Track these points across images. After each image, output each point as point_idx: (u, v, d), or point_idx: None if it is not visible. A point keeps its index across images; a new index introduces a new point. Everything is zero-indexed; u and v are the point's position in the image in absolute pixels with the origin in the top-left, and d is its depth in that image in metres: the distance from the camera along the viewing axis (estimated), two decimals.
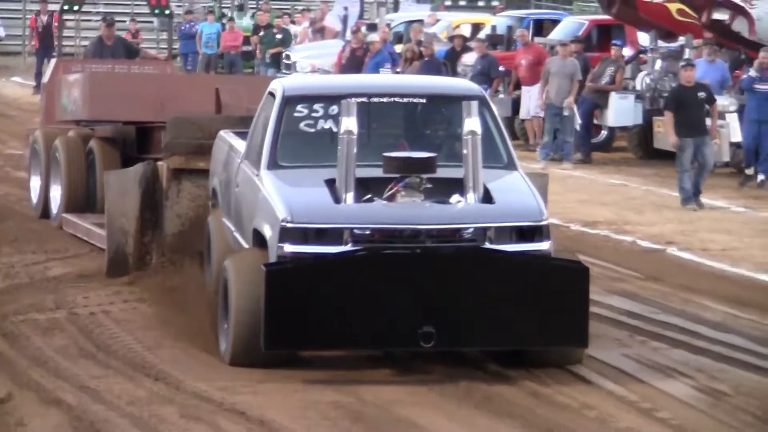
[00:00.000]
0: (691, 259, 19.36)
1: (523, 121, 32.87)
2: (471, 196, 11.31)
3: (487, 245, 11.14)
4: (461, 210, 11.41)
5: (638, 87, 30.98)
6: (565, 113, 29.36)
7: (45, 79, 20.64)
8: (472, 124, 11.31)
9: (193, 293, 13.99)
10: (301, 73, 39.08)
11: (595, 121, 31.42)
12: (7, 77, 47.88)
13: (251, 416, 10.43)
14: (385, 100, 12.54)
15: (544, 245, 11.32)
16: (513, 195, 11.77)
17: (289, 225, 10.85)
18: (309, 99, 12.50)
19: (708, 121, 24.09)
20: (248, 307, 10.90)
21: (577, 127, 29.82)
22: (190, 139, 14.19)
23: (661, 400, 11.24)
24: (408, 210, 11.26)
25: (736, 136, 27.04)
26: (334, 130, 11.88)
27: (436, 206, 11.35)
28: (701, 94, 24.14)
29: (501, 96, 32.35)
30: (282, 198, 11.25)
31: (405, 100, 12.67)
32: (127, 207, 14.07)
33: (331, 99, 12.28)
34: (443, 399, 10.88)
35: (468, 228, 11.22)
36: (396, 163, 11.25)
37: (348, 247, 10.94)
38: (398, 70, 33.43)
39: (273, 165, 11.89)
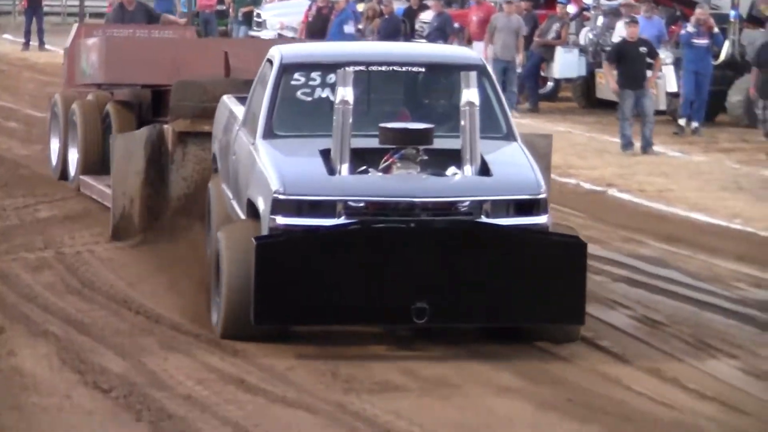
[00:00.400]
0: (630, 200, 19.57)
1: None
2: (468, 169, 10.47)
3: (483, 219, 10.36)
4: (457, 183, 10.62)
5: (582, 42, 31.38)
6: (518, 69, 29.64)
7: (67, 43, 19.74)
8: (470, 94, 10.50)
9: (185, 249, 13.61)
10: (271, 30, 38.98)
11: (542, 74, 31.77)
12: None
13: (226, 346, 10.45)
14: (383, 68, 11.67)
15: (541, 219, 10.51)
16: (511, 167, 10.97)
17: (281, 197, 10.12)
18: (307, 67, 11.62)
19: (648, 74, 24.55)
20: (240, 281, 10.15)
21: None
22: (195, 103, 13.56)
23: (601, 329, 11.32)
24: (403, 182, 10.45)
25: (672, 86, 27.31)
26: (332, 99, 11.03)
27: (432, 178, 10.54)
28: (643, 49, 24.62)
29: None
30: (275, 169, 10.49)
31: (404, 69, 11.79)
32: (132, 170, 13.45)
33: (329, 67, 11.42)
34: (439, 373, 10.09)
35: (464, 201, 10.41)
36: (392, 133, 10.45)
37: (341, 220, 10.19)
38: (360, 27, 33.21)
39: (269, 134, 11.09)
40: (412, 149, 10.36)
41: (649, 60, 24.89)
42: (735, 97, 27.77)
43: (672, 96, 27.65)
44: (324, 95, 11.29)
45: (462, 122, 10.45)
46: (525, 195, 10.41)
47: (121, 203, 13.45)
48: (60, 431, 8.75)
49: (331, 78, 11.10)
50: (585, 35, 31.70)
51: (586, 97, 30.80)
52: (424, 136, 10.34)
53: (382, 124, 10.47)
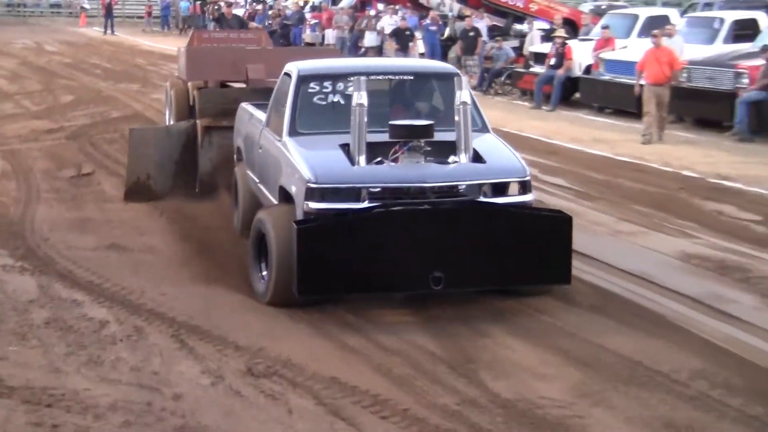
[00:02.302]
0: None
1: None
2: (463, 157, 10.59)
3: (482, 198, 10.49)
4: (459, 169, 10.58)
5: None
6: None
7: (186, 44, 21.43)
8: (464, 95, 10.62)
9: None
10: None
11: None
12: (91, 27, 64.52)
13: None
14: (380, 77, 12.00)
15: (528, 197, 10.68)
16: (498, 155, 11.09)
17: (313, 185, 10.16)
18: (319, 77, 11.84)
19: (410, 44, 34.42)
20: (285, 257, 10.04)
21: None
22: (216, 105, 14.80)
23: None
24: (414, 170, 10.47)
25: (420, 50, 35.74)
26: (342, 102, 11.50)
27: (437, 166, 10.59)
28: (408, 32, 34.15)
29: None
30: (306, 161, 10.54)
31: (397, 77, 12.22)
32: (146, 153, 14.70)
33: (337, 77, 11.80)
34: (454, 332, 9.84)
35: (465, 184, 10.50)
36: (400, 129, 10.63)
37: (365, 204, 10.14)
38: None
39: (293, 132, 11.27)
40: (417, 142, 10.54)
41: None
42: (451, 54, 36.06)
43: (421, 55, 35.95)
44: (335, 100, 11.61)
45: (456, 118, 10.58)
46: (515, 178, 10.71)
47: (135, 175, 14.65)
48: None
49: (340, 86, 11.60)
50: None
51: None
52: (426, 131, 10.55)
53: (392, 122, 10.71)
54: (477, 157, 10.77)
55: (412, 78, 12.35)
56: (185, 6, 62.43)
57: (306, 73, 11.90)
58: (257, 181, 12.56)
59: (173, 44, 43.31)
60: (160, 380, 8.55)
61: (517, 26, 35.70)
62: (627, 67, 24.62)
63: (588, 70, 27.92)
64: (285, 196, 10.95)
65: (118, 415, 7.83)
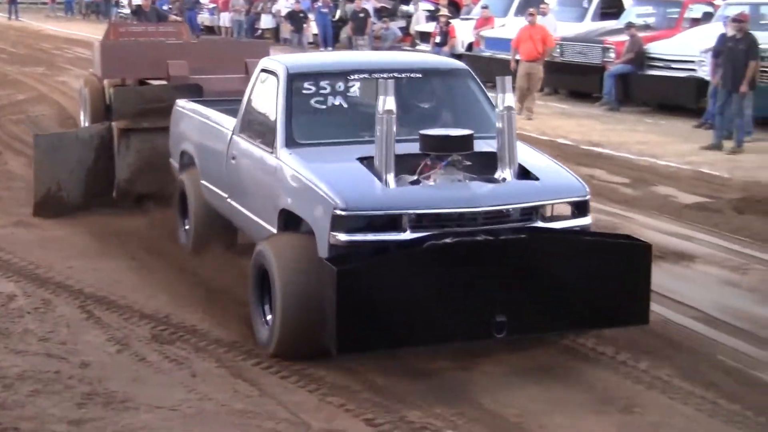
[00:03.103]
0: None
1: None
2: (508, 172, 8.32)
3: (540, 223, 8.20)
4: (514, 189, 8.28)
5: None
6: None
7: (101, 38, 19.19)
8: (508, 99, 8.33)
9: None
10: None
11: None
12: None
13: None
14: (385, 75, 9.05)
15: (587, 220, 8.43)
16: (548, 169, 8.79)
17: (343, 213, 7.71)
18: (314, 76, 9.31)
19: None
20: (294, 300, 7.87)
21: None
22: (132, 105, 12.58)
23: None
24: (460, 191, 8.12)
25: (314, 31, 36.11)
26: (345, 106, 9.25)
27: (489, 186, 8.26)
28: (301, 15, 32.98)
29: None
30: (326, 181, 8.06)
31: (403, 75, 9.46)
32: (58, 160, 12.51)
33: (335, 75, 9.35)
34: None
35: (523, 207, 8.17)
36: (434, 141, 8.28)
37: (407, 234, 7.76)
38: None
39: (291, 143, 8.78)
40: (456, 156, 8.26)
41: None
42: (342, 35, 35.88)
43: (314, 35, 37.05)
44: (337, 103, 9.23)
45: (500, 125, 8.36)
46: (575, 197, 8.43)
47: (45, 186, 12.46)
48: None
49: (340, 86, 9.26)
50: None
51: None
52: (466, 142, 8.27)
53: (423, 132, 8.37)
54: (524, 172, 8.55)
55: (419, 76, 9.73)
56: None
57: (297, 72, 9.38)
58: (226, 196, 10.06)
59: (77, 29, 43.40)
60: (67, 350, 8.39)
61: (404, 7, 35.77)
62: (505, 43, 24.62)
63: (470, 47, 28.10)
64: (287, 221, 8.64)
65: (26, 385, 7.66)
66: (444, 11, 29.58)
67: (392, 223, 7.87)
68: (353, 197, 7.89)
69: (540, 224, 8.20)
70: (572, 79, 24.63)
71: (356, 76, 9.40)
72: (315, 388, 7.72)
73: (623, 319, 8.18)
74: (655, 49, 22.40)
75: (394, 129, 8.05)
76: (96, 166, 12.56)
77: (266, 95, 9.49)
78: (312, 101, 9.22)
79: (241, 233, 10.34)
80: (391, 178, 8.06)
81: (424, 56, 11.88)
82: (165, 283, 10.21)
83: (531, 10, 22.90)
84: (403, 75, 9.52)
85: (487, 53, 26.52)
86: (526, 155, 8.86)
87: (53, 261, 10.81)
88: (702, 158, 17.11)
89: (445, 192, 8.16)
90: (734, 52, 17.90)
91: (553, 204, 8.37)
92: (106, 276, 10.36)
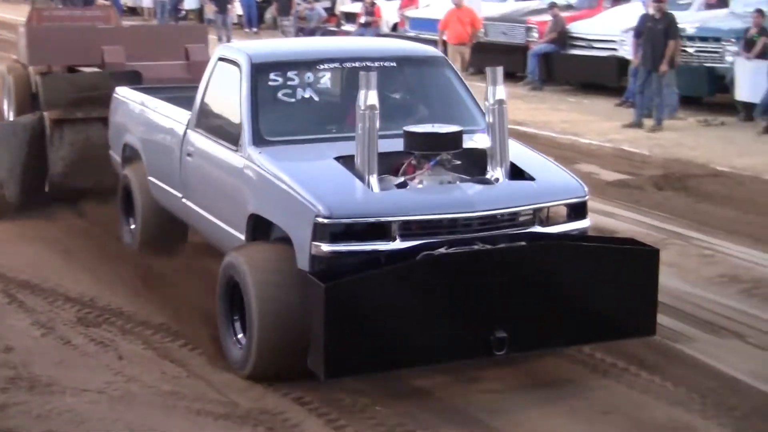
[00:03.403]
0: None
1: None
2: (500, 171, 7.39)
3: (538, 227, 7.30)
4: (510, 190, 7.37)
5: None
6: None
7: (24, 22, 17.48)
8: (499, 92, 7.40)
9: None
10: None
11: None
12: None
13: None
14: (357, 64, 8.26)
15: (586, 222, 7.57)
16: (542, 168, 7.84)
17: (326, 221, 6.76)
18: (280, 66, 8.20)
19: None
20: (271, 318, 6.94)
21: None
22: (65, 94, 11.50)
23: None
24: (456, 195, 7.19)
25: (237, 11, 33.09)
26: (316, 99, 8.20)
27: (483, 188, 7.31)
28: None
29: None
30: (304, 185, 7.10)
31: (376, 64, 8.31)
32: (5, 155, 11.49)
33: (303, 65, 8.26)
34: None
35: (522, 210, 7.28)
36: (421, 139, 7.30)
37: (397, 243, 6.83)
38: None
39: (260, 141, 7.72)
40: (446, 155, 7.36)
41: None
42: (267, 15, 36.43)
43: (239, 17, 35.89)
44: (306, 95, 8.16)
45: (490, 120, 7.43)
46: (574, 199, 7.51)
47: None
48: None
49: (309, 77, 8.18)
50: None
51: None
52: (455, 140, 7.33)
53: (408, 128, 7.41)
54: (516, 171, 7.64)
55: (393, 65, 8.58)
56: None
57: (261, 61, 8.26)
58: (180, 196, 8.98)
59: None
60: None
61: None
62: (430, 24, 24.66)
63: (395, 27, 28.02)
64: (255, 227, 7.68)
65: None
66: None
67: (380, 230, 6.95)
68: (336, 203, 6.96)
69: (538, 228, 7.33)
70: (497, 59, 24.23)
71: (326, 66, 8.40)
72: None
73: (629, 330, 7.37)
74: (577, 28, 22.52)
75: (377, 126, 7.12)
76: (29, 161, 11.48)
77: (226, 87, 8.45)
78: (279, 94, 8.18)
79: (192, 231, 9.61)
80: (374, 180, 7.12)
81: (397, 43, 10.63)
82: (90, 266, 10.04)
83: None
84: (376, 64, 8.41)
85: (412, 33, 26.39)
86: (518, 152, 7.93)
87: None
88: (623, 136, 17.25)
89: (437, 196, 7.26)
90: (654, 32, 17.99)
91: (550, 206, 7.49)
92: (30, 259, 10.20)
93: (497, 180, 7.46)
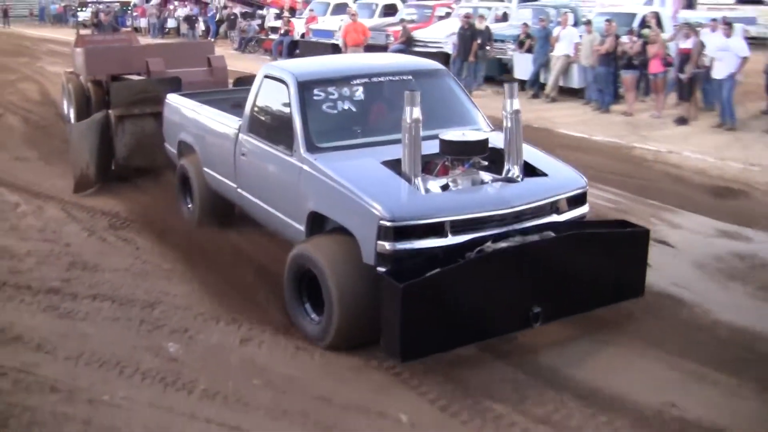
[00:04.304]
0: None
1: None
2: (516, 169, 6.08)
3: (555, 216, 6.04)
4: (534, 186, 6.08)
5: None
6: None
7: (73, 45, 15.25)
8: (515, 104, 6.09)
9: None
10: None
11: None
12: None
13: None
14: (382, 79, 6.90)
15: (586, 208, 6.29)
16: (547, 163, 6.45)
17: (389, 224, 5.45)
18: (322, 83, 6.73)
19: None
20: (350, 302, 5.66)
21: None
22: (125, 96, 10.31)
23: None
24: (494, 194, 5.89)
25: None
26: (354, 110, 6.66)
27: (513, 186, 6.00)
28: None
29: None
30: (365, 191, 5.68)
31: (396, 78, 6.95)
32: (86, 146, 10.26)
33: (340, 81, 6.77)
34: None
35: (546, 203, 6.02)
36: (456, 145, 6.01)
37: (450, 239, 5.56)
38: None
39: (311, 148, 6.30)
40: (477, 159, 6.08)
41: None
42: (221, 29, 33.40)
43: (203, 31, 35.40)
44: (346, 107, 6.66)
45: (509, 125, 6.05)
46: (579, 189, 6.24)
47: (79, 167, 10.21)
48: None
49: (345, 91, 6.68)
50: None
51: None
52: (482, 146, 6.07)
53: (443, 137, 6.04)
54: (529, 169, 6.29)
55: (410, 78, 7.07)
56: (54, 7, 57.80)
57: (306, 79, 6.79)
58: (235, 186, 7.44)
59: (47, 32, 40.84)
60: (55, 236, 8.29)
61: (259, 11, 35.31)
62: (326, 33, 24.42)
63: (303, 35, 27.84)
64: (314, 221, 6.22)
65: (32, 258, 7.60)
66: (286, 13, 29.23)
67: (435, 229, 5.59)
68: (398, 208, 5.56)
69: (554, 217, 6.05)
70: None
71: (358, 81, 6.83)
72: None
73: (627, 293, 6.21)
74: (418, 34, 22.61)
75: (421, 136, 5.72)
76: (102, 148, 10.34)
77: (275, 101, 6.93)
78: (323, 107, 6.65)
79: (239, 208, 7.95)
80: (420, 182, 5.76)
81: (409, 59, 8.71)
82: (114, 186, 9.94)
83: (351, 11, 22.68)
84: (397, 78, 6.99)
85: (314, 39, 26.37)
86: (528, 151, 6.45)
87: (42, 181, 10.46)
88: None
89: (479, 196, 5.89)
90: (464, 36, 18.36)
91: (564, 198, 6.18)
92: (71, 186, 9.98)
93: (518, 177, 6.09)
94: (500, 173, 6.10)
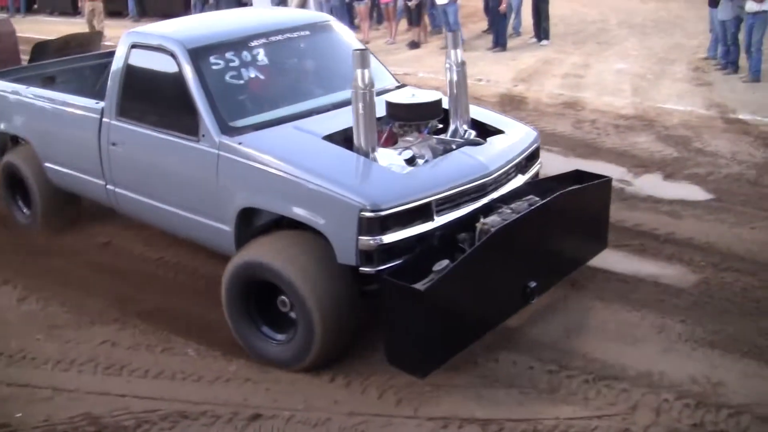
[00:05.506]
0: None
1: None
2: (468, 129, 5.25)
3: (521, 176, 5.20)
4: (502, 146, 5.19)
5: None
6: None
7: None
8: (460, 54, 5.18)
9: None
10: None
11: None
12: None
13: None
14: (280, 37, 5.62)
15: (539, 163, 5.50)
16: (501, 121, 5.62)
17: (371, 214, 4.41)
18: (217, 49, 5.34)
19: None
20: (330, 311, 4.59)
21: None
22: None
23: None
24: (471, 161, 4.92)
25: None
26: (261, 77, 5.39)
27: (484, 148, 5.09)
28: None
29: None
30: (329, 179, 4.57)
31: (295, 35, 5.71)
32: None
33: (236, 45, 5.41)
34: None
35: (516, 163, 5.13)
36: (408, 109, 5.07)
37: (436, 220, 4.61)
38: None
39: (225, 129, 5.02)
40: (434, 122, 5.20)
41: None
42: None
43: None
44: (252, 75, 5.36)
45: (455, 78, 5.18)
46: (535, 144, 5.44)
47: None
48: None
49: (246, 56, 5.37)
50: None
51: None
52: (437, 108, 5.14)
53: (391, 100, 5.14)
54: (481, 127, 5.46)
55: (308, 33, 5.86)
56: None
57: (196, 46, 5.34)
58: (103, 183, 6.01)
59: None
60: None
61: None
62: None
63: None
64: (243, 218, 5.02)
65: None
66: None
67: (421, 211, 4.60)
68: (378, 193, 4.53)
69: (521, 177, 5.23)
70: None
71: (257, 42, 5.52)
72: None
73: (596, 248, 5.52)
74: None
75: (375, 103, 4.71)
76: None
77: (155, 77, 5.51)
78: (226, 77, 5.29)
79: (86, 201, 6.80)
80: (378, 157, 4.79)
81: (296, 12, 7.46)
82: None
83: None
84: (295, 34, 5.78)
85: None
86: (472, 110, 5.51)
87: None
88: None
89: (458, 165, 4.92)
90: None
91: (527, 154, 5.33)
92: None
93: (476, 138, 5.24)
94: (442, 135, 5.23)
